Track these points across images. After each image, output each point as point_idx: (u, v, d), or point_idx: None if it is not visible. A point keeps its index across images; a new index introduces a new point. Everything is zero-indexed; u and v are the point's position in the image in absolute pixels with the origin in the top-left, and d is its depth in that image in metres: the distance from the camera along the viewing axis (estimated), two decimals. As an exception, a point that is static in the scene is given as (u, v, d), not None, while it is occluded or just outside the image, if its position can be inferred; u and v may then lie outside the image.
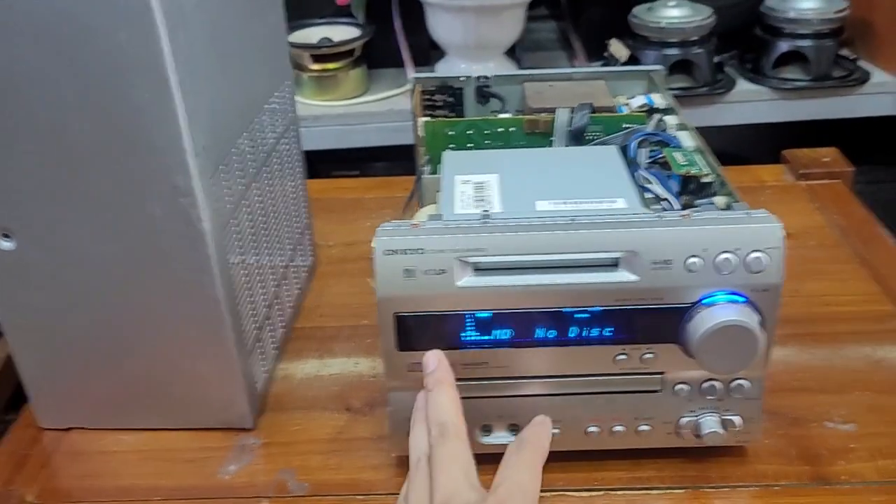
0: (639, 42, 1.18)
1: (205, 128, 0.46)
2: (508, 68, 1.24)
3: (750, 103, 1.19)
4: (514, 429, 0.49)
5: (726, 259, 0.43)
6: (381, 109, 1.22)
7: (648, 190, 0.52)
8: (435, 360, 0.45)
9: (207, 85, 0.47)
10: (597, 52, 1.27)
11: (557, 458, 0.50)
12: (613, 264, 0.44)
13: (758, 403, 0.48)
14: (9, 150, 0.45)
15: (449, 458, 0.41)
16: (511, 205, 0.49)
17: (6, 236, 0.47)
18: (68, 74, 0.43)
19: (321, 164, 1.27)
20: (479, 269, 0.44)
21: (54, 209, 0.46)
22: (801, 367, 0.58)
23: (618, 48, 1.20)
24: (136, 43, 0.41)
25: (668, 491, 0.49)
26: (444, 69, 1.25)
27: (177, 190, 0.45)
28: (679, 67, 1.16)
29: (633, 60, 1.17)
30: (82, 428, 0.54)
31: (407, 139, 1.23)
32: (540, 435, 0.45)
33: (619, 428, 0.49)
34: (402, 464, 0.51)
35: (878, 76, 1.20)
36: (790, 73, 1.19)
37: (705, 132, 0.59)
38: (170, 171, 0.45)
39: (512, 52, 1.28)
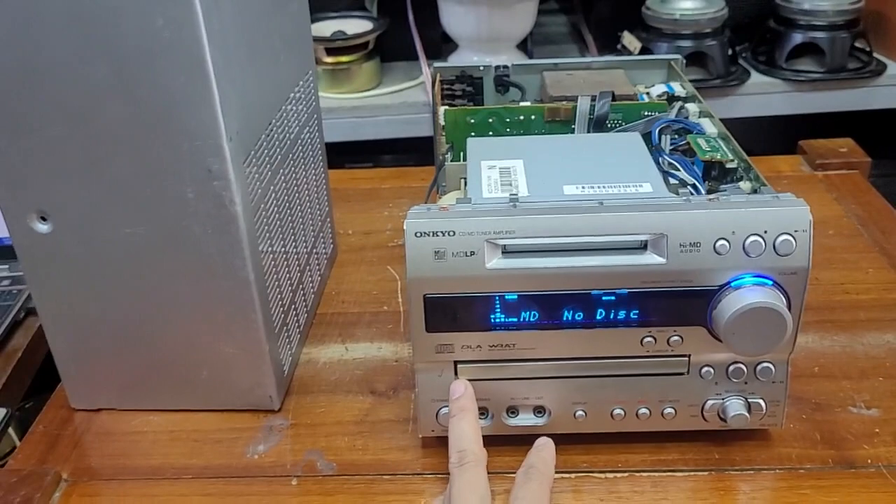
0: (652, 34, 1.19)
1: (237, 113, 0.47)
2: (520, 60, 1.25)
3: (764, 95, 1.19)
4: (540, 411, 0.50)
5: (755, 242, 0.43)
6: (393, 102, 1.23)
7: (674, 175, 0.52)
8: (461, 388, 0.48)
9: (239, 72, 0.47)
10: (608, 45, 1.28)
11: (582, 440, 0.50)
12: (642, 247, 0.45)
13: (783, 387, 0.48)
14: (46, 133, 0.45)
15: (467, 488, 0.43)
16: (538, 189, 0.49)
17: (43, 219, 0.48)
18: (104, 59, 0.43)
19: (334, 156, 1.27)
20: (508, 252, 0.45)
21: (90, 192, 0.47)
22: (823, 354, 0.58)
23: (630, 40, 1.20)
24: (174, 27, 0.42)
25: (692, 473, 0.49)
26: (456, 62, 1.25)
27: (210, 174, 0.46)
28: (692, 59, 1.17)
29: (645, 53, 1.17)
30: (113, 409, 0.55)
31: (419, 131, 1.23)
32: (546, 461, 0.47)
33: (644, 410, 0.49)
34: (429, 445, 0.51)
35: (893, 68, 1.20)
36: (804, 65, 1.19)
37: (720, 124, 0.59)
38: (204, 155, 0.45)
39: (524, 46, 1.28)
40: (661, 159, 0.54)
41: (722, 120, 0.59)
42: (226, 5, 0.45)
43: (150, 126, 0.45)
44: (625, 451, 0.50)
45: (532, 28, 1.25)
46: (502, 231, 0.44)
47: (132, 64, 0.43)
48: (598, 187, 0.48)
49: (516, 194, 0.48)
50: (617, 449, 0.51)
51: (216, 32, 0.43)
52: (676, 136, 0.59)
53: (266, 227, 0.52)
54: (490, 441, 0.50)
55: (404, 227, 0.44)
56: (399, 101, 1.23)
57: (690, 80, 1.16)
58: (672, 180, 0.53)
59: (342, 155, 1.29)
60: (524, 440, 0.50)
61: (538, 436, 0.50)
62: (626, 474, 0.49)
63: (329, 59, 1.23)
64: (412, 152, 1.25)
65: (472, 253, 0.44)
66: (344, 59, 1.23)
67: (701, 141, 0.56)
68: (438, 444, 0.51)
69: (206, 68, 0.43)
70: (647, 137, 0.58)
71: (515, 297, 0.46)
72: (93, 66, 0.43)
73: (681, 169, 0.52)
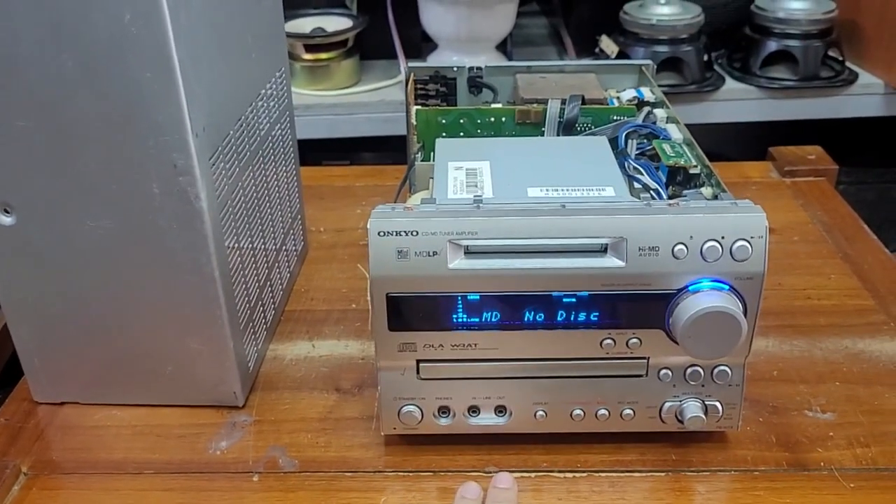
0: (629, 39, 1.19)
1: (204, 109, 0.47)
2: (499, 61, 1.25)
3: (738, 102, 1.20)
4: (501, 411, 0.50)
5: (712, 247, 0.44)
6: (372, 100, 1.23)
7: (637, 180, 0.53)
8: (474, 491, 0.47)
9: (207, 67, 0.48)
10: (587, 48, 1.28)
11: (543, 440, 0.51)
12: (602, 250, 0.45)
13: (739, 390, 0.49)
14: (10, 125, 0.45)
15: None
16: (502, 191, 0.50)
17: (6, 211, 0.48)
18: (71, 51, 0.43)
19: (312, 152, 1.27)
20: (471, 252, 0.45)
21: (54, 185, 0.47)
22: (782, 358, 0.59)
23: (608, 44, 1.21)
24: (140, 22, 0.42)
25: (650, 474, 0.50)
26: (435, 61, 1.25)
27: (176, 169, 0.46)
28: (668, 65, 1.18)
29: (622, 57, 1.18)
30: (76, 402, 0.55)
31: (397, 130, 1.24)
32: (510, 500, 0.47)
33: (603, 411, 0.50)
34: (391, 443, 0.52)
35: (865, 78, 1.21)
36: (778, 72, 1.20)
37: (693, 129, 0.60)
38: (170, 150, 0.45)
39: (503, 47, 1.29)
40: (626, 163, 0.55)
41: (696, 125, 0.60)
42: (194, 0, 0.45)
43: (116, 120, 0.45)
44: (584, 452, 0.51)
45: (512, 29, 1.26)
46: (465, 232, 0.45)
47: (99, 57, 0.43)
48: (562, 190, 0.49)
49: (480, 196, 0.48)
50: (577, 449, 0.51)
51: (183, 28, 0.43)
52: (644, 141, 0.60)
53: (233, 224, 0.52)
54: (451, 440, 0.51)
55: (368, 227, 0.45)
56: (377, 99, 1.23)
57: (666, 85, 1.17)
58: (636, 184, 0.53)
59: (320, 152, 1.29)
60: (485, 439, 0.51)
61: (499, 435, 0.50)
62: (585, 474, 0.50)
63: (308, 56, 1.23)
64: (390, 150, 1.26)
65: (435, 253, 0.45)
66: (323, 56, 1.23)
67: (666, 146, 0.56)
68: (400, 441, 0.52)
69: (171, 63, 0.43)
70: (615, 141, 0.59)
71: (477, 297, 0.46)
72: (60, 58, 0.43)
73: (644, 173, 0.53)
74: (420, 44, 1.31)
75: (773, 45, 1.19)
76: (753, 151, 0.93)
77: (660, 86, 0.68)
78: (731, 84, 1.21)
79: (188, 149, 0.45)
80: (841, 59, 1.22)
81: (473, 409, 0.50)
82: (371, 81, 1.26)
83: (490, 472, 0.50)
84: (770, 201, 0.81)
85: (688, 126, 0.60)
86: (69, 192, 0.47)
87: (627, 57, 1.17)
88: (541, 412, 0.50)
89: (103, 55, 0.43)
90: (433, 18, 1.22)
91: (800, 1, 1.18)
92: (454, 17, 1.19)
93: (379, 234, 0.45)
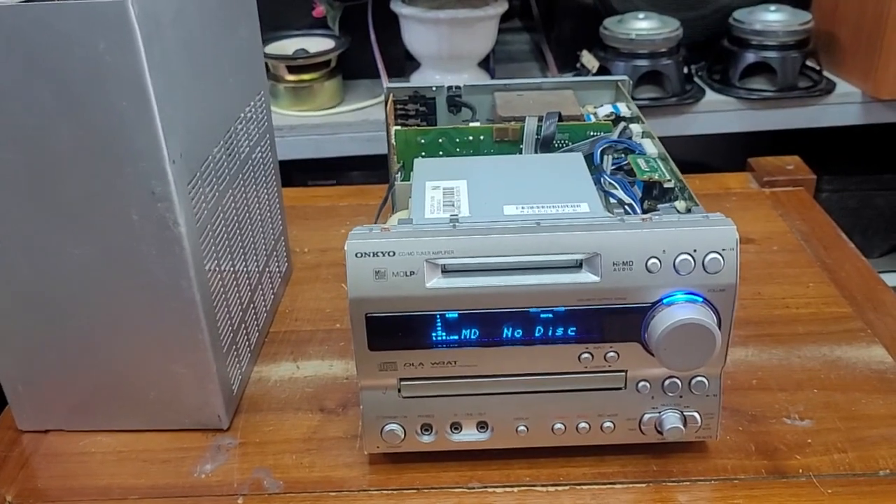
0: (609, 53, 1.21)
1: (181, 136, 0.47)
2: (482, 79, 1.27)
3: (718, 113, 1.22)
4: (483, 427, 0.51)
5: (684, 260, 0.45)
6: (356, 119, 1.24)
7: (612, 195, 0.54)
8: None
9: (184, 94, 0.48)
10: (568, 63, 1.30)
11: (525, 455, 0.51)
12: (577, 266, 0.46)
13: (716, 400, 0.50)
14: (-10, 156, 0.46)
15: None
16: (479, 209, 0.50)
17: (-14, 240, 0.48)
18: (48, 83, 0.44)
19: (298, 172, 1.28)
20: (448, 271, 0.46)
21: (35, 214, 0.47)
22: (761, 367, 0.60)
23: (589, 59, 1.23)
24: (115, 52, 0.43)
25: (632, 485, 0.50)
26: (418, 80, 1.27)
27: (154, 195, 0.46)
28: (649, 78, 1.19)
29: (603, 71, 1.19)
30: (60, 430, 0.55)
31: (381, 148, 1.25)
32: None
33: (583, 425, 0.50)
34: (375, 461, 0.52)
35: (843, 87, 1.23)
36: (757, 83, 1.22)
37: (675, 141, 0.61)
38: (147, 178, 0.46)
39: (486, 64, 1.30)
40: (602, 179, 0.56)
41: (677, 137, 0.61)
42: (169, 31, 0.46)
43: (94, 148, 0.46)
44: (566, 465, 0.52)
45: (493, 46, 1.27)
46: (441, 251, 0.45)
47: (76, 87, 0.44)
48: (538, 207, 0.50)
49: (457, 215, 0.49)
50: (559, 462, 0.52)
51: (157, 56, 0.44)
52: (621, 156, 0.61)
53: (213, 248, 0.53)
54: (434, 457, 0.51)
55: (345, 248, 0.45)
56: (361, 119, 1.24)
57: (647, 98, 1.18)
58: (612, 199, 0.54)
59: (306, 172, 1.30)
60: (468, 455, 0.51)
61: (482, 451, 0.51)
62: (567, 487, 0.50)
63: (291, 77, 1.24)
64: (378, 168, 1.26)
65: (413, 273, 0.45)
66: (306, 77, 1.24)
67: (641, 161, 0.57)
68: (384, 460, 0.52)
69: (146, 92, 0.44)
70: (592, 157, 0.59)
71: (456, 315, 0.47)
72: (38, 88, 0.44)
73: (619, 188, 0.54)
74: (403, 63, 1.32)
75: (751, 57, 1.20)
76: (735, 162, 0.94)
77: (641, 99, 0.69)
78: (711, 96, 1.22)
79: (165, 176, 0.46)
80: (818, 69, 1.23)
81: (455, 426, 0.51)
82: (354, 101, 1.27)
83: (473, 488, 0.50)
84: (750, 211, 0.82)
85: (669, 138, 0.61)
86: (50, 221, 0.48)
87: (608, 71, 1.19)
88: (522, 427, 0.50)
89: (80, 84, 0.44)
90: (415, 38, 1.23)
91: (777, 13, 1.20)
92: (436, 37, 1.20)
93: (356, 255, 0.45)
